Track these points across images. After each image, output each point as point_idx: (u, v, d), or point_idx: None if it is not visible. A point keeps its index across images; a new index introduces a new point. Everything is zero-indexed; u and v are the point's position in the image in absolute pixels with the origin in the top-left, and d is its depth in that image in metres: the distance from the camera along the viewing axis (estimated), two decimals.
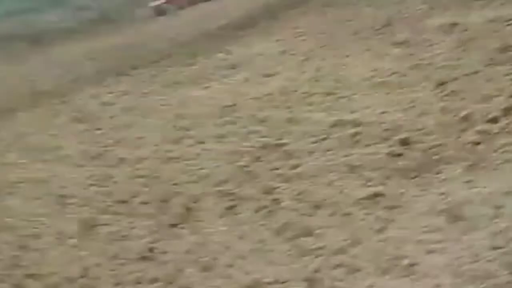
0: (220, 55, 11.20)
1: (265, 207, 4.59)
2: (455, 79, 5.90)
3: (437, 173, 4.48)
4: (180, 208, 4.86)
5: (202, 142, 6.13)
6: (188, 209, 4.80)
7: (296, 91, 7.06)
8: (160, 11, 25.34)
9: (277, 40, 11.04)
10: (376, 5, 11.90)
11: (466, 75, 5.94)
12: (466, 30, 7.49)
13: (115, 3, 27.09)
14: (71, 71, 14.23)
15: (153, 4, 26.38)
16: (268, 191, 4.83)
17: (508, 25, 7.27)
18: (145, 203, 5.11)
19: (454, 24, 7.91)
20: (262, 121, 6.25)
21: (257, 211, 4.55)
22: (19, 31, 24.10)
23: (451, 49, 6.89)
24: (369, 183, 4.58)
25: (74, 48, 20.49)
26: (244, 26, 13.99)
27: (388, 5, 11.28)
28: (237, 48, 11.56)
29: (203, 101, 7.85)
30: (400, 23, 9.37)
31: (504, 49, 6.34)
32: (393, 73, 6.65)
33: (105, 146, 6.80)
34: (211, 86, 8.84)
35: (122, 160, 6.21)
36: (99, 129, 7.68)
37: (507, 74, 5.68)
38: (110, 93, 10.18)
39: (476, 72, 5.93)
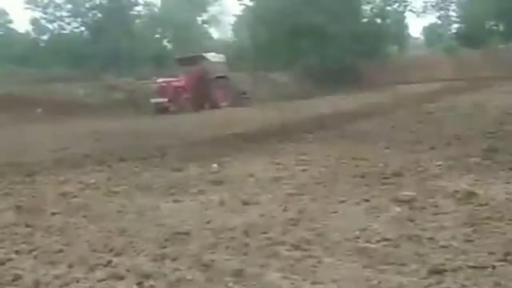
0: (214, 166, 10.08)
1: None
2: (455, 270, 4.45)
3: None
4: None
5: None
6: None
7: (264, 233, 5.69)
8: (160, 109, 25.00)
9: (277, 163, 9.82)
10: (395, 149, 10.77)
11: (471, 267, 4.49)
12: (483, 205, 6.12)
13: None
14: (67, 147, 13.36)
15: (154, 100, 26.25)
16: None
17: None
18: None
19: (471, 194, 6.54)
20: (203, 265, 4.85)
21: None
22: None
23: (460, 226, 5.47)
24: None
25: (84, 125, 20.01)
26: (251, 139, 12.97)
27: (404, 153, 10.15)
28: (233, 161, 10.41)
29: (160, 219, 6.52)
30: (411, 176, 8.07)
31: None
32: (383, 240, 5.25)
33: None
34: (183, 200, 7.57)
35: None
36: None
37: None
38: (80, 182, 9.03)
39: (484, 268, 4.48)
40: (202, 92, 26.78)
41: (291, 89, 35.27)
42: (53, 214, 6.91)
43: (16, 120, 23.02)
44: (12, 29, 59.44)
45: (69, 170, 10.07)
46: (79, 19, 52.20)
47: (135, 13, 51.53)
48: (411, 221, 5.87)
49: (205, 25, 58.20)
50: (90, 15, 51.04)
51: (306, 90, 33.84)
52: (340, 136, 12.83)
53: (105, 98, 27.35)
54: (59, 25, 53.68)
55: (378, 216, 6.14)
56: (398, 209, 6.35)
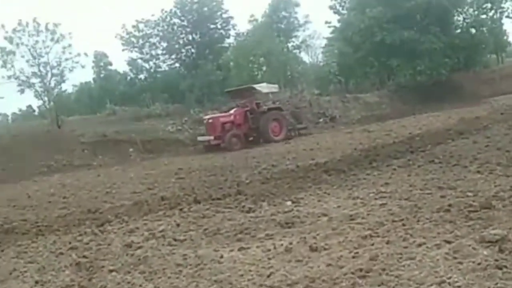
0: (288, 203, 9.44)
1: None
2: None
3: None
4: None
5: None
6: None
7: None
8: (208, 147, 23.80)
9: (354, 198, 9.02)
10: (487, 172, 9.64)
11: None
12: None
13: None
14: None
15: (200, 138, 24.95)
16: None
17: None
18: None
19: None
20: None
21: None
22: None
23: None
24: None
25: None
26: (332, 169, 12.15)
27: (497, 178, 9.01)
28: (309, 197, 9.69)
29: (218, 273, 5.97)
30: (503, 208, 7.00)
31: None
32: None
33: None
34: (249, 247, 6.99)
35: None
36: None
37: None
38: (148, 230, 8.69)
39: None
40: (252, 126, 24.68)
41: (382, 109, 33.98)
42: (111, 271, 6.56)
43: (108, 162, 23.55)
44: (112, 70, 61.95)
45: (141, 216, 9.79)
46: (173, 56, 53.48)
47: (226, 45, 52.20)
48: (500, 268, 4.95)
49: (296, 51, 58.01)
50: (183, 51, 52.15)
51: (398, 109, 32.42)
52: (429, 160, 11.77)
53: (193, 133, 27.38)
54: (155, 63, 55.31)
55: (461, 263, 5.26)
56: (485, 252, 5.43)
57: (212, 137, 23.46)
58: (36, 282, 6.59)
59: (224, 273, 5.95)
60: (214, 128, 23.66)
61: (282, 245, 6.81)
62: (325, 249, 6.43)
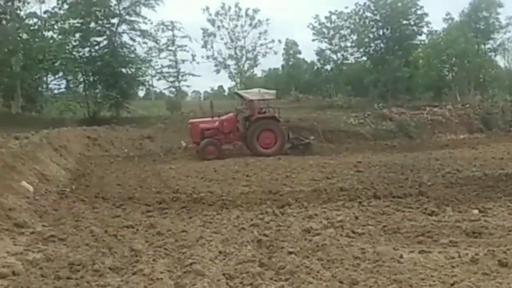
0: (475, 212, 8.85)
1: None
2: None
3: None
4: None
5: None
6: None
7: None
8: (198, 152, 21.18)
9: None
10: None
11: None
12: None
13: None
14: None
15: (183, 142, 22.27)
16: None
17: None
18: None
19: None
20: None
21: None
22: None
23: None
24: None
25: None
26: None
27: None
28: (498, 208, 9.00)
29: (397, 273, 5.75)
30: None
31: None
32: None
33: None
34: (430, 252, 6.66)
35: None
36: None
37: None
38: (326, 218, 8.67)
39: None
40: (238, 135, 21.89)
41: None
42: (290, 253, 6.62)
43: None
44: (300, 59, 63.25)
45: (320, 204, 9.82)
46: (361, 49, 53.00)
47: (417, 42, 50.49)
48: None
49: (491, 53, 54.39)
50: (372, 45, 51.42)
51: None
52: None
53: (375, 128, 26.92)
54: (342, 55, 55.30)
55: None
56: None
57: (192, 143, 21.80)
58: (220, 252, 6.88)
59: (404, 274, 5.71)
60: (192, 134, 21.74)
61: (467, 254, 6.37)
62: None
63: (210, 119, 22.20)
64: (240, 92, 24.21)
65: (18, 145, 12.94)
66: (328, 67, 57.30)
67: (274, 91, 24.06)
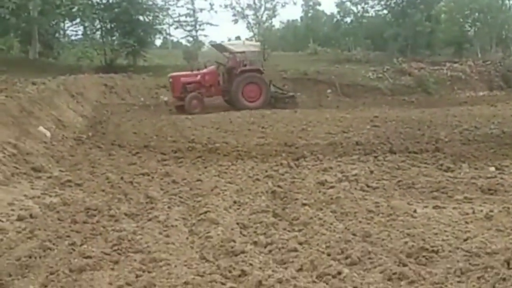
0: (491, 169, 8.80)
1: None
2: None
3: None
4: None
5: None
6: None
7: None
8: (177, 107, 20.23)
9: None
10: None
11: None
12: None
13: None
14: None
15: (164, 98, 21.52)
16: None
17: None
18: None
19: None
20: None
21: None
22: None
23: None
24: None
25: None
26: None
27: None
28: None
29: (411, 227, 5.76)
30: None
31: None
32: None
33: None
34: (445, 207, 6.67)
35: None
36: None
37: None
38: (341, 172, 8.68)
39: None
40: (225, 89, 21.21)
41: None
42: (304, 205, 6.66)
43: (306, 100, 23.79)
44: (319, 11, 62.14)
45: (335, 157, 9.82)
46: (382, 2, 51.95)
47: None
48: None
49: None
50: None
51: None
52: None
53: (394, 83, 26.61)
54: (363, 8, 54.22)
55: None
56: None
57: (172, 98, 21.08)
58: (234, 202, 6.94)
59: (417, 228, 5.72)
60: (174, 88, 20.82)
61: (481, 211, 6.37)
62: None
63: (191, 72, 21.50)
64: (225, 43, 23.35)
65: (36, 90, 12.97)
66: (348, 19, 56.21)
67: (259, 43, 23.74)
